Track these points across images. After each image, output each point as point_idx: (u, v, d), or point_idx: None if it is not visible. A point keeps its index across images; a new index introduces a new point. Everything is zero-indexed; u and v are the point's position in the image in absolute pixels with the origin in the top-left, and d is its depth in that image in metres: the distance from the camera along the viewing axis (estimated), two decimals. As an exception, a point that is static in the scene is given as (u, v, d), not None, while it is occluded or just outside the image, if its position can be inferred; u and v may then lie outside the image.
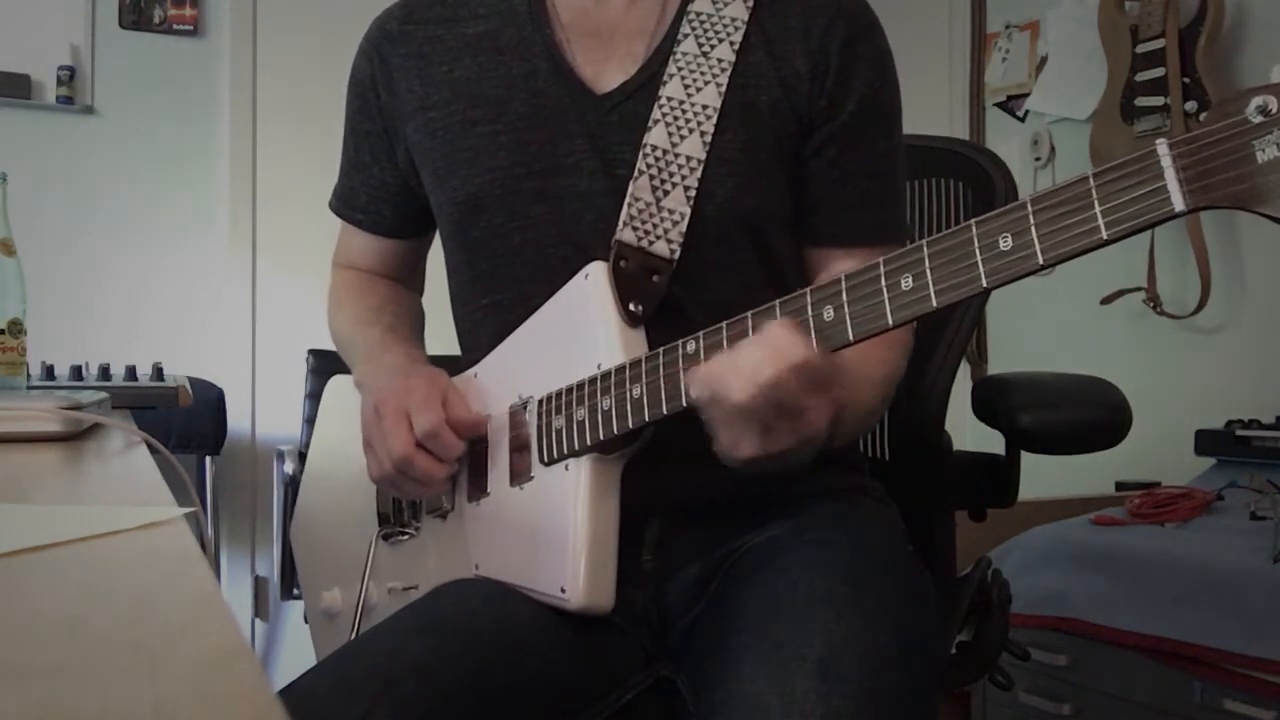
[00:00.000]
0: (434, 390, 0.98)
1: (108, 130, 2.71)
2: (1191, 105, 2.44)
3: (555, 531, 0.91)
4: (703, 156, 0.96)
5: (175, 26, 2.75)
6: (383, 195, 1.15)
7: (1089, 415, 1.15)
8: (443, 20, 1.08)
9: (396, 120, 1.09)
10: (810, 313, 0.79)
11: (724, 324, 0.82)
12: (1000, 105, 3.13)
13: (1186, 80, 2.45)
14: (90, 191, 2.69)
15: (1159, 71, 2.48)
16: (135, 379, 1.53)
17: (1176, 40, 2.46)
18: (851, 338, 0.77)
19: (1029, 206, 0.69)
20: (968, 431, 1.28)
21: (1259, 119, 0.62)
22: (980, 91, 3.18)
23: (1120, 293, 2.65)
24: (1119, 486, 2.41)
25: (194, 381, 1.89)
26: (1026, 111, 3.03)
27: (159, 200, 2.75)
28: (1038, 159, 2.95)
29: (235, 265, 2.80)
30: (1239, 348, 2.52)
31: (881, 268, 0.75)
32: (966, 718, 2.14)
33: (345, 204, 1.19)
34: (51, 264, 2.57)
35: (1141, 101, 2.52)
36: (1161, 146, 0.64)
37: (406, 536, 1.10)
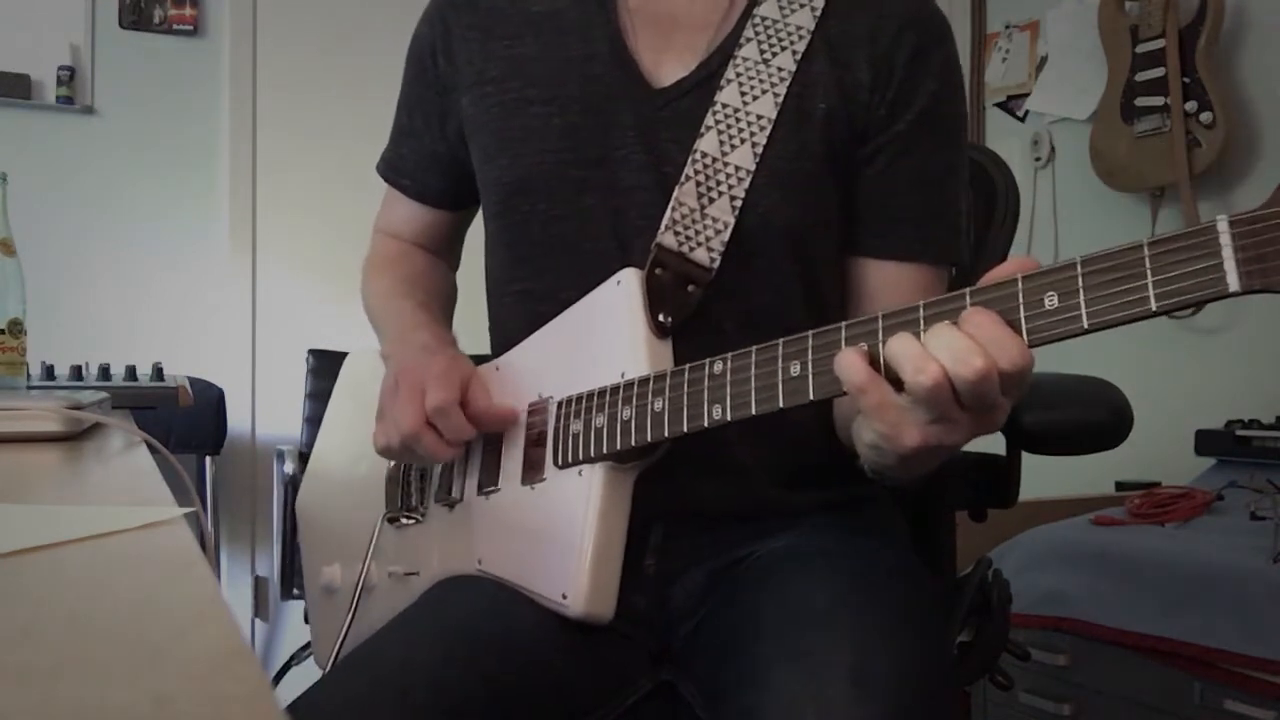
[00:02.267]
0: (453, 370, 0.96)
1: (108, 130, 2.71)
2: (1192, 105, 2.44)
3: (563, 536, 0.90)
4: (752, 167, 0.94)
5: (175, 26, 2.75)
6: (431, 164, 1.14)
7: (1089, 415, 1.14)
8: None
9: (453, 90, 1.07)
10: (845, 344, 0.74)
11: (753, 348, 0.79)
12: (1000, 105, 3.13)
13: (1186, 80, 2.45)
14: (90, 191, 2.69)
15: (1159, 71, 2.49)
16: (135, 379, 1.53)
17: (1176, 40, 2.46)
18: None
19: (1079, 267, 0.66)
20: (968, 431, 1.27)
21: None
22: (980, 91, 3.18)
23: (1120, 293, 2.65)
24: (1119, 486, 2.41)
25: (194, 381, 1.89)
26: (1026, 111, 3.03)
27: (159, 200, 2.75)
28: (1038, 159, 2.96)
29: (235, 265, 2.80)
30: (1239, 348, 2.51)
31: (921, 311, 0.71)
32: (966, 718, 2.14)
33: (392, 169, 1.18)
34: (52, 264, 2.57)
35: (1141, 101, 2.52)
36: (1222, 224, 0.62)
37: (412, 521, 1.10)
